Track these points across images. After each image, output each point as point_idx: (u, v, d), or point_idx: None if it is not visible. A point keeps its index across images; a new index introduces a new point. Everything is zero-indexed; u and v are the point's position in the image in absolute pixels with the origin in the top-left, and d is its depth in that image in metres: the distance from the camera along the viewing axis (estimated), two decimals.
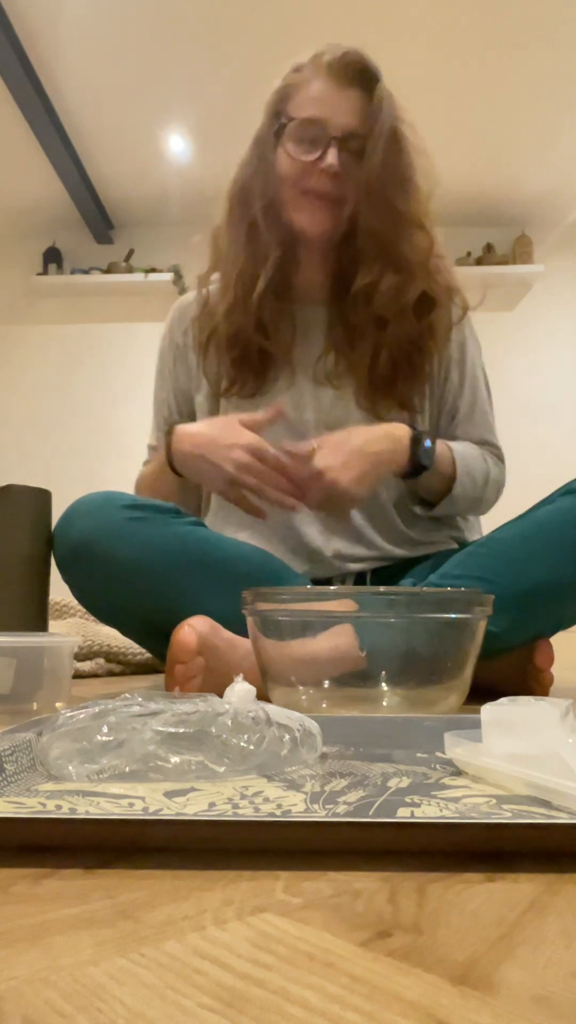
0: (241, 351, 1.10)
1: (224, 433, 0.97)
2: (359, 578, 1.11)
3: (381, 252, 1.04)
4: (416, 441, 1.00)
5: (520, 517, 0.99)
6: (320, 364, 1.11)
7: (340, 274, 1.10)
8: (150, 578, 0.95)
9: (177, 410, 1.21)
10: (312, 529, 1.09)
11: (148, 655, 1.37)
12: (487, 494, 1.13)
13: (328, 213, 1.04)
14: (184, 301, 1.22)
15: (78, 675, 1.26)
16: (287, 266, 1.10)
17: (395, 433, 1.00)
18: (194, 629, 0.83)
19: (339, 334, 1.11)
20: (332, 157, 1.01)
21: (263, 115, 1.08)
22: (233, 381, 1.12)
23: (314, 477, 0.93)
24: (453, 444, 1.08)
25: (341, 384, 1.11)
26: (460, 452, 1.08)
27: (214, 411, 1.16)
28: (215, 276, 1.15)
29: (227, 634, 0.88)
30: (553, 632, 0.98)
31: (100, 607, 1.04)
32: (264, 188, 1.06)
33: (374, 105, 1.01)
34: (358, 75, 1.02)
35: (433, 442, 1.03)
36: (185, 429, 1.02)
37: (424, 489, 1.09)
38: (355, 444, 0.97)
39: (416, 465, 1.01)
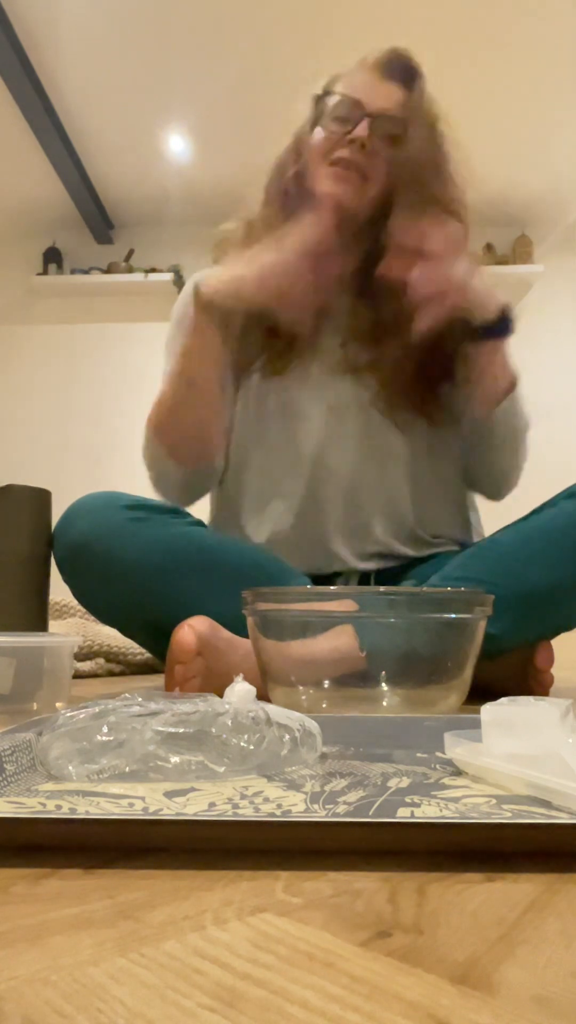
0: (269, 323, 1.07)
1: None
2: (363, 578, 1.11)
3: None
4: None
5: (522, 520, 0.99)
6: (347, 350, 1.11)
7: (366, 264, 1.08)
8: (150, 578, 0.95)
9: None
10: (325, 522, 1.09)
11: (148, 655, 1.37)
12: (520, 452, 1.09)
13: (351, 184, 1.03)
14: (207, 272, 1.20)
15: (78, 675, 1.26)
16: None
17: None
18: (194, 629, 0.83)
19: (365, 320, 1.10)
20: (362, 129, 1.01)
21: (307, 105, 1.09)
22: (261, 357, 1.11)
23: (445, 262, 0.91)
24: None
25: (360, 378, 1.10)
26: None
27: (233, 391, 1.14)
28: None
29: (227, 634, 0.88)
30: (554, 635, 0.98)
31: (100, 607, 1.04)
32: (295, 161, 1.07)
33: (415, 98, 1.03)
34: (400, 71, 1.04)
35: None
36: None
37: (485, 377, 1.04)
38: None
39: (504, 322, 0.98)
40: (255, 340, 1.11)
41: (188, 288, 1.20)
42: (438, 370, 1.08)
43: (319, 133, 1.05)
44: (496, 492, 1.15)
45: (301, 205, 1.05)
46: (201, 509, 1.19)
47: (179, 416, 1.06)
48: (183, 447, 1.08)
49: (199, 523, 1.06)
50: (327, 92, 1.06)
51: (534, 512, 0.98)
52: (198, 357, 1.03)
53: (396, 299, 1.02)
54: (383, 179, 1.04)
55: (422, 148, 1.03)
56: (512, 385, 1.04)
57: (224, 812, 0.36)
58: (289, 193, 1.07)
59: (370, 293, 1.09)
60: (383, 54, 1.05)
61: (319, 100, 1.07)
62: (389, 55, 1.05)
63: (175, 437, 1.07)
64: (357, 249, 1.10)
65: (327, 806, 0.37)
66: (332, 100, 1.04)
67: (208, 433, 1.09)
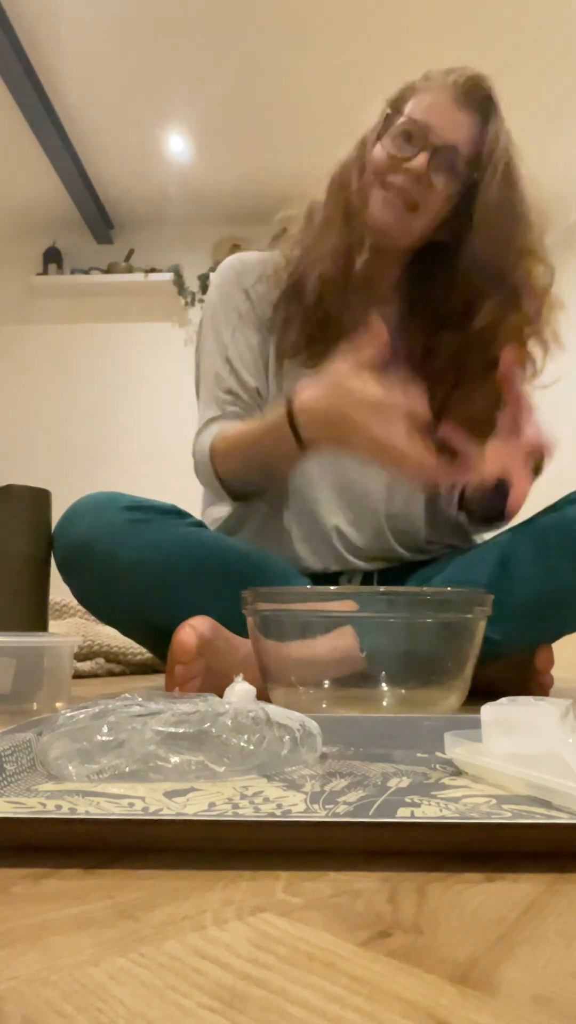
0: (324, 317, 1.07)
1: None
2: (365, 578, 1.11)
3: (498, 285, 1.02)
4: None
5: (524, 524, 0.98)
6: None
7: (418, 293, 1.09)
8: (151, 579, 0.95)
9: (238, 380, 1.12)
10: (333, 518, 1.09)
11: (148, 655, 1.37)
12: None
13: (398, 213, 1.02)
14: (244, 258, 1.18)
15: (78, 675, 1.26)
16: (372, 259, 1.07)
17: None
18: (195, 630, 0.83)
19: (416, 351, 1.08)
20: (422, 160, 0.99)
21: (380, 107, 1.07)
22: (308, 344, 1.09)
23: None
24: None
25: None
26: None
27: (264, 371, 1.13)
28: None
29: (228, 635, 0.88)
30: (555, 639, 0.98)
31: (100, 607, 1.04)
32: (360, 175, 1.05)
33: (490, 136, 1.00)
34: (477, 100, 1.02)
35: None
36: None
37: (493, 509, 1.03)
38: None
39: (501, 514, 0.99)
40: (302, 334, 1.09)
41: (229, 273, 1.16)
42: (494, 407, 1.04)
43: (380, 151, 1.03)
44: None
45: (365, 224, 1.04)
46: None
47: (244, 478, 1.06)
48: (241, 492, 1.08)
49: (200, 524, 1.06)
50: (397, 108, 1.04)
51: (536, 516, 0.98)
52: (277, 461, 1.01)
53: (487, 343, 1.03)
54: (435, 211, 1.03)
55: (498, 193, 1.01)
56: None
57: (224, 812, 0.36)
58: (352, 203, 1.06)
59: (412, 316, 1.08)
60: (464, 78, 1.02)
61: (389, 115, 1.04)
62: (470, 81, 1.02)
63: (236, 488, 1.08)
64: (403, 272, 1.10)
65: (327, 806, 0.37)
66: (400, 120, 1.02)
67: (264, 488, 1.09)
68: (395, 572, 1.11)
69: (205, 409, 1.13)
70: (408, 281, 1.12)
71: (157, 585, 0.95)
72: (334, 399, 0.86)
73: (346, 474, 1.10)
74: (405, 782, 0.42)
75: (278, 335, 1.11)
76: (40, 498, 1.08)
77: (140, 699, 0.46)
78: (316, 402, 0.88)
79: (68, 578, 1.01)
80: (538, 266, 1.05)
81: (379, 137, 1.04)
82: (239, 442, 1.02)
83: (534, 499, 1.02)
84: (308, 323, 1.08)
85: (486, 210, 1.01)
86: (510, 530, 0.99)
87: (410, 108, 1.03)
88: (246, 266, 1.16)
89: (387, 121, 1.04)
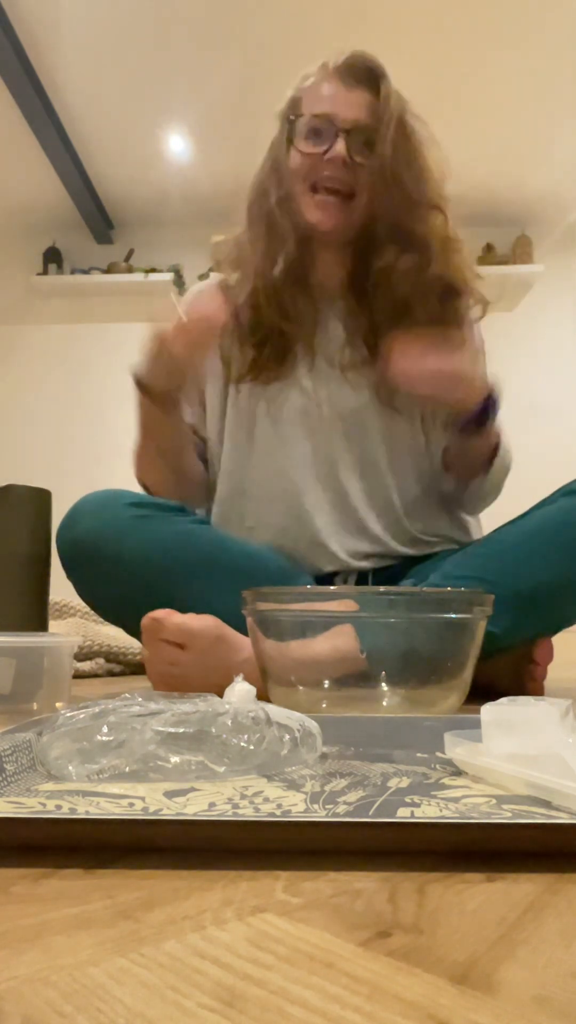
0: (264, 335, 1.09)
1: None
2: (361, 578, 1.11)
3: (397, 235, 1.04)
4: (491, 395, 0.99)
5: (521, 517, 0.99)
6: (339, 355, 1.11)
7: (358, 267, 1.10)
8: (155, 576, 0.95)
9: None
10: (320, 522, 1.09)
11: None
12: (502, 486, 1.13)
13: (340, 208, 1.04)
14: (199, 288, 1.22)
15: (78, 675, 1.26)
16: (305, 261, 1.10)
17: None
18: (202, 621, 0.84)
19: (360, 325, 1.11)
20: (340, 147, 1.01)
21: (277, 123, 1.09)
22: (253, 365, 1.11)
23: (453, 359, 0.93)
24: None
25: (360, 376, 1.10)
26: (503, 436, 1.07)
27: (223, 400, 1.15)
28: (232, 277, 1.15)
29: (232, 634, 0.88)
30: (554, 632, 0.99)
31: (105, 605, 1.04)
32: (278, 185, 1.07)
33: (381, 100, 1.02)
34: (364, 75, 1.03)
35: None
36: None
37: (468, 456, 1.06)
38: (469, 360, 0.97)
39: (487, 411, 0.99)
40: (244, 351, 1.11)
41: (184, 304, 1.22)
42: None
43: (296, 157, 1.04)
44: (473, 512, 1.19)
45: (289, 231, 1.06)
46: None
47: (152, 471, 1.13)
48: (163, 491, 1.13)
49: (203, 521, 1.06)
50: (296, 112, 1.05)
51: (532, 509, 0.99)
52: (153, 429, 1.09)
53: (387, 288, 1.05)
54: (366, 190, 1.04)
55: (396, 147, 1.02)
56: (494, 451, 1.05)
57: (224, 812, 0.36)
58: (275, 217, 1.07)
59: (364, 295, 1.10)
60: (344, 59, 1.04)
61: (289, 120, 1.06)
62: (350, 60, 1.04)
63: (154, 484, 1.14)
64: (350, 255, 1.11)
65: (327, 806, 0.37)
66: (303, 120, 1.04)
67: (180, 485, 1.14)
68: (391, 570, 1.11)
69: None
70: (350, 270, 1.12)
71: (160, 580, 0.95)
72: (149, 345, 1.01)
73: (332, 477, 1.10)
74: (405, 782, 0.42)
75: (225, 362, 1.14)
76: (40, 498, 1.08)
77: (140, 699, 0.46)
78: (143, 356, 1.02)
79: (72, 575, 1.01)
80: (434, 214, 1.06)
81: (289, 145, 1.06)
82: (139, 439, 1.13)
83: (533, 497, 1.02)
84: (248, 347, 1.11)
85: (381, 166, 1.02)
86: (506, 524, 0.99)
87: (307, 107, 1.05)
88: (200, 292, 1.21)
89: (290, 128, 1.05)
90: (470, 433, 1.02)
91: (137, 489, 1.12)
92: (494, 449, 1.05)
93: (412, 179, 1.03)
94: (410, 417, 1.11)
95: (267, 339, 1.09)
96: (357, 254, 1.10)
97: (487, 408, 0.98)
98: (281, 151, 1.07)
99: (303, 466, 1.10)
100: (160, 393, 1.04)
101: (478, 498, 1.13)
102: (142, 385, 1.04)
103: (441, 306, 1.07)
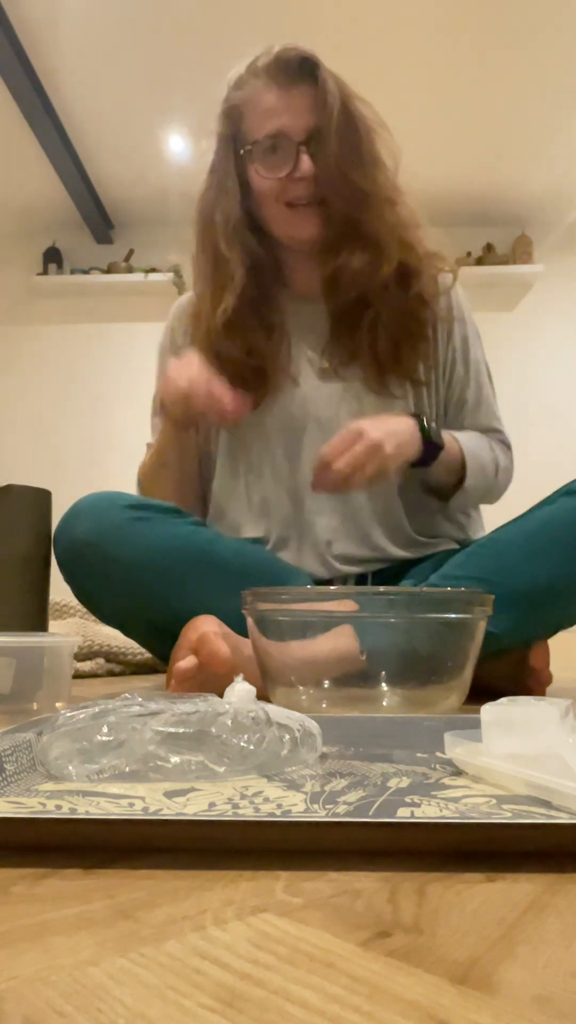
0: (234, 371, 1.07)
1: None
2: (360, 579, 1.11)
3: (349, 233, 1.03)
4: (420, 422, 1.00)
5: (520, 517, 0.99)
6: (323, 359, 1.11)
7: (333, 272, 1.09)
8: (152, 578, 0.95)
9: None
10: (317, 528, 1.09)
11: (148, 655, 1.37)
12: (499, 483, 1.13)
13: (316, 217, 1.04)
14: (183, 301, 1.22)
15: (78, 675, 1.26)
16: (280, 272, 1.11)
17: (405, 419, 1.00)
18: (222, 637, 0.82)
19: (338, 326, 1.11)
20: (305, 164, 1.00)
21: (214, 142, 1.07)
22: (224, 373, 1.09)
23: (358, 438, 0.93)
24: (459, 436, 1.08)
25: (348, 374, 1.10)
26: (468, 445, 1.07)
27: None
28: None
29: (232, 635, 0.88)
30: (553, 632, 0.98)
31: (102, 607, 1.04)
32: (225, 213, 1.06)
33: (319, 92, 0.99)
34: (298, 69, 1.00)
35: (437, 424, 1.04)
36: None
37: (435, 479, 1.08)
38: (387, 423, 0.97)
39: (429, 445, 1.00)
40: (227, 380, 1.10)
41: (169, 317, 1.23)
42: (412, 333, 1.09)
43: (262, 182, 1.03)
44: (479, 515, 1.19)
45: (238, 262, 1.06)
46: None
47: (159, 488, 1.13)
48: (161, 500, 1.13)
49: (201, 523, 1.06)
50: (240, 132, 1.03)
51: (533, 509, 0.99)
52: (169, 449, 1.10)
53: (345, 289, 1.05)
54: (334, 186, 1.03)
55: (341, 141, 1.00)
56: (461, 470, 1.06)
57: (224, 812, 0.36)
58: (220, 251, 1.07)
59: (336, 298, 1.09)
60: (274, 57, 1.00)
61: (239, 148, 1.04)
62: (281, 55, 1.00)
63: (157, 495, 1.13)
64: (326, 260, 1.09)
65: (327, 806, 0.37)
66: (257, 146, 1.01)
67: (183, 501, 1.14)
68: (390, 572, 1.10)
69: (152, 431, 1.20)
70: (324, 270, 1.11)
71: (157, 583, 0.95)
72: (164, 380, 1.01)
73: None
74: (405, 782, 0.42)
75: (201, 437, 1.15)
76: (40, 498, 1.08)
77: (140, 699, 0.46)
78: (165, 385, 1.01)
79: (69, 577, 1.01)
80: (386, 207, 1.04)
81: (239, 168, 1.05)
82: (150, 462, 1.13)
83: (533, 496, 1.02)
84: (224, 379, 1.08)
85: (327, 161, 1.00)
86: (506, 524, 0.99)
87: (253, 126, 1.03)
88: (179, 310, 1.21)
89: (246, 154, 1.04)
90: (426, 467, 1.03)
91: (134, 491, 1.12)
92: (460, 466, 1.06)
93: (361, 173, 1.02)
94: (405, 406, 1.11)
95: (239, 373, 1.07)
96: (325, 257, 1.09)
97: (427, 449, 1.00)
98: (228, 175, 1.06)
99: (299, 474, 1.10)
100: (181, 422, 1.06)
101: (474, 502, 1.14)
102: (165, 412, 1.05)
103: (404, 292, 1.06)
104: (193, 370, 0.99)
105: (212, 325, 1.08)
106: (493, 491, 1.13)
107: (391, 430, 0.95)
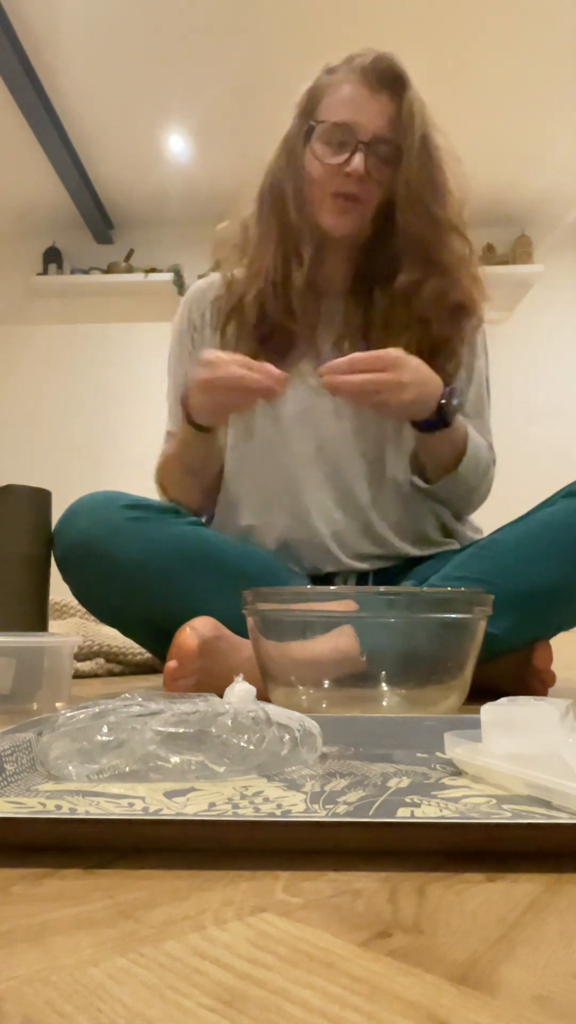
0: (268, 331, 1.09)
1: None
2: (361, 578, 1.11)
3: (423, 255, 1.05)
4: (449, 393, 1.00)
5: (521, 519, 0.99)
6: (342, 351, 1.11)
7: (365, 270, 1.11)
8: (151, 578, 0.95)
9: None
10: (323, 522, 1.09)
11: (148, 655, 1.37)
12: (482, 488, 1.13)
13: (353, 215, 1.05)
14: (201, 284, 1.22)
15: (78, 675, 1.26)
16: (314, 261, 1.10)
17: (438, 381, 0.99)
18: (196, 632, 0.83)
19: (360, 321, 1.11)
20: (358, 161, 1.01)
21: (293, 114, 1.08)
22: (254, 358, 1.11)
23: (391, 368, 0.92)
24: (468, 426, 1.08)
25: None
26: (472, 435, 1.07)
27: None
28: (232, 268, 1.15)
29: (230, 635, 0.88)
30: (554, 634, 0.98)
31: (100, 607, 1.04)
32: (296, 188, 1.07)
33: (404, 111, 1.01)
34: (390, 81, 1.02)
35: (459, 406, 1.03)
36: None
37: (433, 454, 1.08)
38: (423, 372, 0.96)
39: (441, 415, 0.99)
40: (247, 345, 1.11)
41: (186, 299, 1.22)
42: (439, 356, 1.09)
43: (315, 164, 1.04)
44: (459, 514, 1.18)
45: (305, 233, 1.07)
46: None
47: (179, 487, 1.14)
48: (184, 503, 1.13)
49: (199, 522, 1.06)
50: (315, 111, 1.05)
51: (533, 510, 0.99)
52: (191, 449, 1.10)
53: (406, 303, 1.06)
54: (380, 196, 1.05)
55: (421, 167, 1.02)
56: (460, 454, 1.06)
57: (224, 812, 0.36)
58: (290, 217, 1.07)
59: (362, 295, 1.10)
60: (369, 61, 1.03)
61: (309, 122, 1.05)
62: (376, 63, 1.02)
63: (176, 497, 1.15)
64: (356, 256, 1.12)
65: (327, 806, 0.37)
66: (323, 127, 1.03)
67: (203, 500, 1.16)
68: (391, 571, 1.10)
69: (170, 418, 1.20)
70: (355, 268, 1.13)
71: (156, 582, 0.95)
72: (195, 379, 0.98)
73: (338, 476, 1.10)
74: (405, 782, 0.42)
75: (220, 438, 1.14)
76: (40, 498, 1.08)
77: (140, 699, 0.46)
78: (192, 384, 0.99)
79: (68, 577, 1.01)
80: (455, 238, 1.06)
81: (306, 144, 1.06)
82: (171, 451, 1.13)
83: (534, 498, 1.02)
84: (251, 341, 1.10)
85: (407, 184, 1.02)
86: (507, 525, 0.99)
87: (327, 109, 1.04)
88: (197, 293, 1.21)
89: (309, 130, 1.05)
90: (429, 433, 1.02)
91: (135, 491, 1.12)
92: (461, 450, 1.05)
93: (436, 202, 1.04)
94: None
95: (270, 335, 1.09)
96: (366, 259, 1.11)
97: (441, 410, 0.99)
98: (297, 148, 1.07)
99: (307, 464, 1.10)
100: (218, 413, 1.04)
101: (456, 497, 1.13)
102: (189, 414, 1.03)
103: (452, 325, 1.08)
104: (224, 357, 0.97)
105: (270, 285, 1.08)
106: (476, 492, 1.13)
107: (422, 380, 0.95)
